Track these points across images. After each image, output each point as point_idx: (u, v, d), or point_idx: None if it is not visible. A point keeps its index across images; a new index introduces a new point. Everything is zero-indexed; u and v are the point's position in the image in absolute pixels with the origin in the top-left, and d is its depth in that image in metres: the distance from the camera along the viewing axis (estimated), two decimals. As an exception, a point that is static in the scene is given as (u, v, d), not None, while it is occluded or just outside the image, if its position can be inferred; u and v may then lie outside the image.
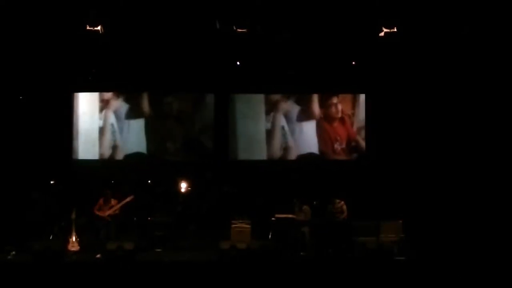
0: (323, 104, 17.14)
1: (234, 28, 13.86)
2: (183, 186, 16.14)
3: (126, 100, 17.14)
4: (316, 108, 17.13)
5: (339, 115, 17.13)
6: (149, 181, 16.66)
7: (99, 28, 13.71)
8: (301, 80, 16.56)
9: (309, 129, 17.10)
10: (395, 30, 13.90)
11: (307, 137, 17.12)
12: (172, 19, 14.22)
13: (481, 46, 14.93)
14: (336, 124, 17.14)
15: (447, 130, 16.18)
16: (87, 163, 16.88)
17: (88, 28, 13.69)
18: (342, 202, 14.34)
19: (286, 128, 17.11)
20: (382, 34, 14.07)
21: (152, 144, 17.15)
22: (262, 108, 17.14)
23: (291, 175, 16.37)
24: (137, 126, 17.09)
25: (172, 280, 11.75)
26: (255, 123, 17.14)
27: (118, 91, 17.06)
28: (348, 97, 17.28)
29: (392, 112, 16.71)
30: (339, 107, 17.15)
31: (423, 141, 16.34)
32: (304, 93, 17.23)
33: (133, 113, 17.12)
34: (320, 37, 14.92)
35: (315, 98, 17.14)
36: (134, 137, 17.09)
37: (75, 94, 17.05)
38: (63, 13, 13.81)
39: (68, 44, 14.98)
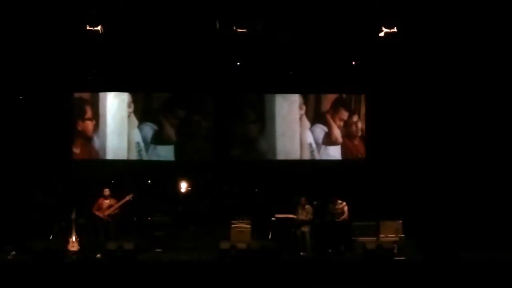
0: (345, 124, 17.25)
1: (234, 28, 13.86)
2: (183, 186, 16.13)
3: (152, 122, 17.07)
4: (337, 132, 17.24)
5: (359, 133, 17.21)
6: (149, 181, 16.65)
7: (99, 28, 13.71)
8: (301, 80, 16.56)
9: (334, 150, 17.30)
10: (395, 30, 13.91)
11: (330, 156, 17.32)
12: (172, 19, 14.24)
13: (481, 46, 14.93)
14: (357, 141, 17.23)
15: (447, 130, 16.17)
16: (87, 163, 16.86)
17: (88, 28, 13.70)
18: (344, 203, 14.33)
19: (314, 146, 17.24)
20: (382, 34, 14.07)
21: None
22: (297, 125, 17.26)
23: (291, 175, 16.35)
24: (165, 149, 17.09)
25: (172, 280, 11.73)
26: (291, 140, 17.28)
27: (119, 91, 17.04)
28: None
29: (392, 112, 16.69)
30: (359, 125, 17.23)
31: (423, 141, 16.32)
32: (304, 93, 17.22)
33: (159, 139, 17.06)
34: (320, 37, 14.92)
35: (337, 120, 17.25)
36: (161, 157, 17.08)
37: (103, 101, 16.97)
38: (63, 13, 13.82)
39: (68, 44, 14.99)
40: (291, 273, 11.99)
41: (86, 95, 16.97)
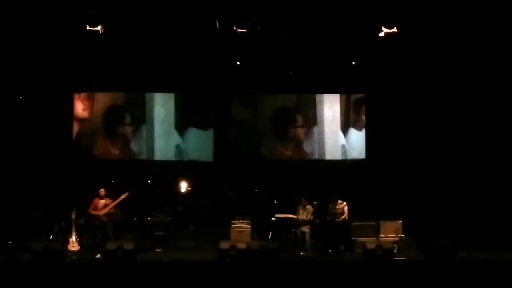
0: None
1: (234, 28, 13.86)
2: (183, 186, 16.12)
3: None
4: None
5: None
6: (149, 181, 16.65)
7: (99, 28, 13.72)
8: (300, 80, 16.56)
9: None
10: (395, 30, 13.91)
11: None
12: (172, 19, 14.24)
13: (481, 45, 14.94)
14: None
15: (446, 130, 16.19)
16: (87, 164, 16.86)
17: (88, 28, 13.71)
18: (344, 203, 14.33)
19: (346, 146, 17.35)
20: (382, 34, 14.07)
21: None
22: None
23: (291, 176, 16.35)
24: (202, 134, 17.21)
25: (172, 280, 11.74)
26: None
27: (118, 91, 17.05)
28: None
29: (391, 112, 16.70)
30: None
31: (423, 141, 16.34)
32: (304, 93, 17.23)
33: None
34: (320, 37, 14.92)
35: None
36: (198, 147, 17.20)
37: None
38: (63, 13, 13.83)
39: (68, 44, 14.99)
40: (291, 273, 11.99)
41: (120, 101, 17.02)
